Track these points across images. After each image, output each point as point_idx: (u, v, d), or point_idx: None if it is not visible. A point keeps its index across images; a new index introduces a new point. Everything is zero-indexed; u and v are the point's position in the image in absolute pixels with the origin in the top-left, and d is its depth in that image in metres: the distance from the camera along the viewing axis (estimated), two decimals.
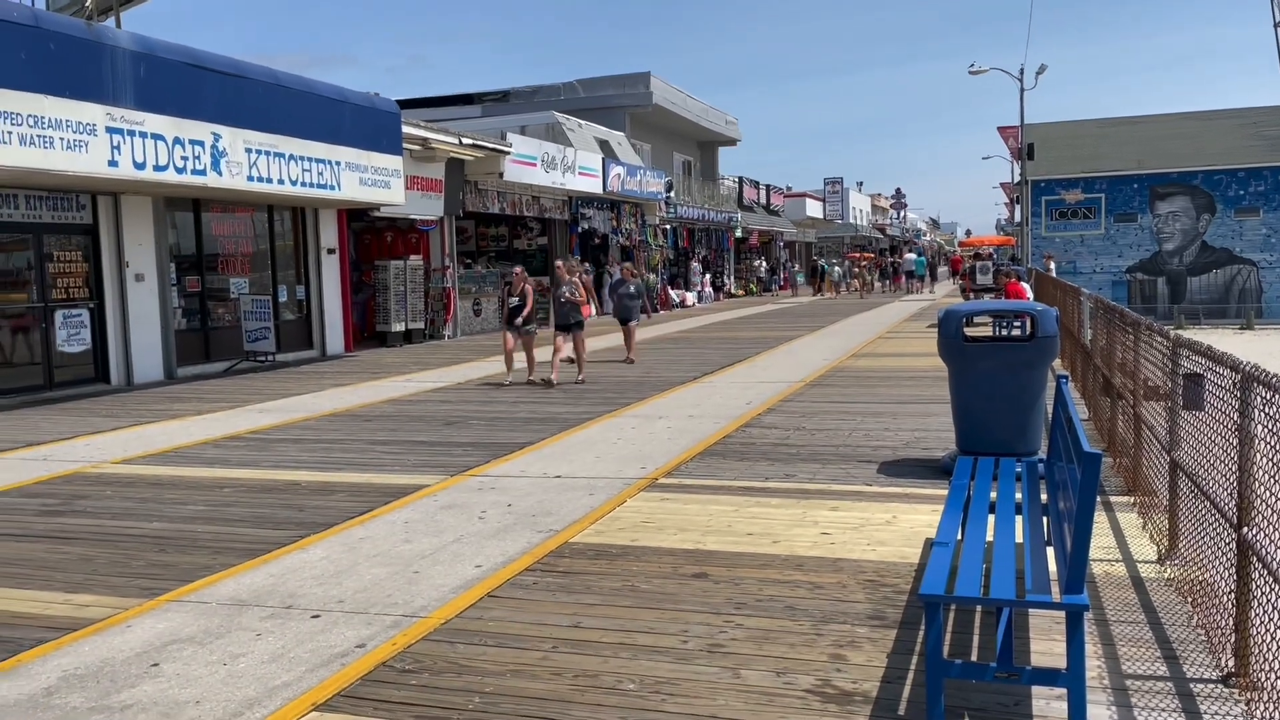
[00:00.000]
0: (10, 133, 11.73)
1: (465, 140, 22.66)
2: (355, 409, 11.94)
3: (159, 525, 6.70)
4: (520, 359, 14.06)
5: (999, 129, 43.44)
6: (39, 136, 12.09)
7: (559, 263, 14.67)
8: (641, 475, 7.76)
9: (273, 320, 17.60)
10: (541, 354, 14.30)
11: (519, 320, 13.51)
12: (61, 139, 12.37)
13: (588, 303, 16.05)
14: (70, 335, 14.51)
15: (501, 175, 24.21)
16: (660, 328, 25.09)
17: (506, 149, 24.11)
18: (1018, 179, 42.54)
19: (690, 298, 37.44)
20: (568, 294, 13.81)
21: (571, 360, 14.04)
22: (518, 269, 14.31)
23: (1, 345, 13.68)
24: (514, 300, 13.58)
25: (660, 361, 16.58)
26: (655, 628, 4.52)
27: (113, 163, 13.08)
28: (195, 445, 9.75)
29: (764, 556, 5.56)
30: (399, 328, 21.34)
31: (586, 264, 29.35)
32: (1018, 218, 45.00)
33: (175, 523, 6.75)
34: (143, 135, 13.51)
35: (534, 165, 25.63)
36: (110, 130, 13.01)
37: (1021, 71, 36.69)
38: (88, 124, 12.69)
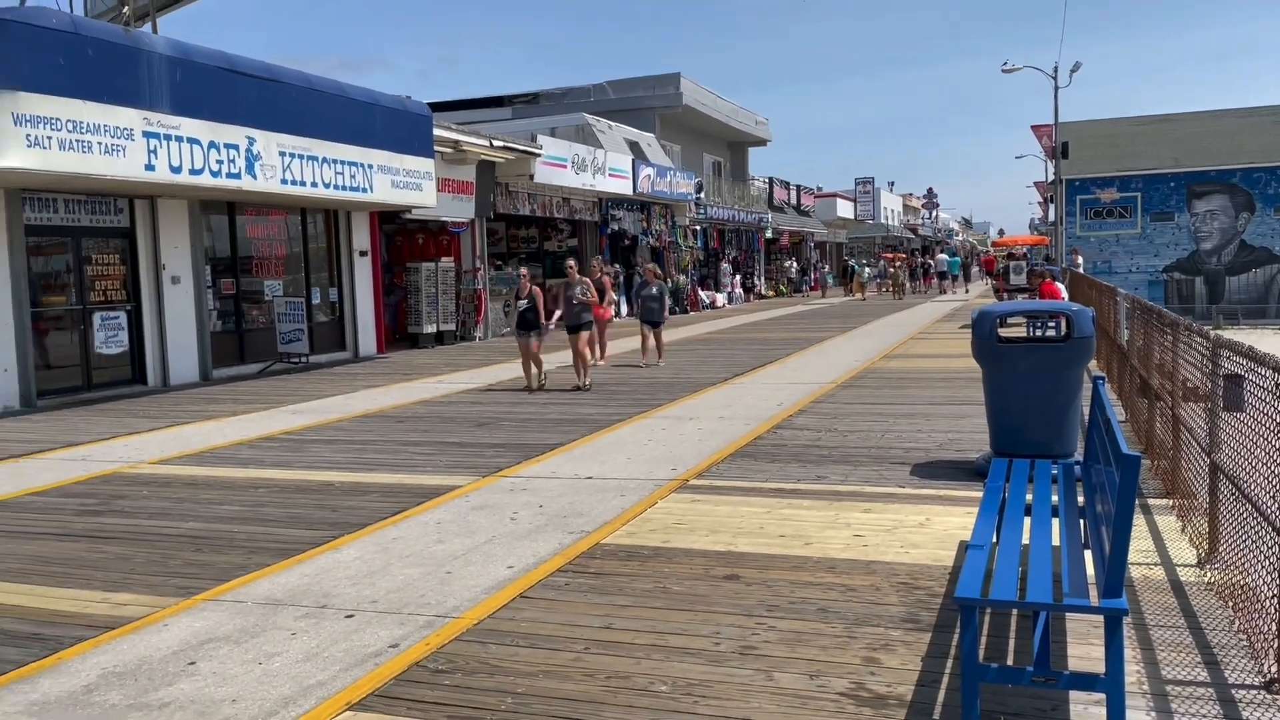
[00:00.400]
0: (50, 137, 11.93)
1: (496, 142, 22.76)
2: (388, 410, 12.02)
3: (195, 525, 6.78)
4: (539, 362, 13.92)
5: (1033, 127, 43.00)
6: (77, 141, 12.27)
7: (570, 263, 14.54)
8: (672, 476, 7.75)
9: (306, 322, 17.76)
10: (554, 359, 14.17)
11: (543, 324, 13.33)
12: (99, 143, 12.55)
13: (603, 304, 15.94)
14: (108, 337, 14.72)
15: (532, 177, 24.28)
16: (690, 329, 25.06)
17: (537, 151, 24.18)
18: (1052, 178, 42.09)
19: (720, 299, 37.37)
20: (579, 295, 13.75)
21: (586, 363, 13.84)
22: (524, 271, 14.34)
23: (42, 347, 13.90)
24: (522, 303, 13.46)
25: (690, 363, 16.56)
26: (687, 629, 4.51)
27: (149, 166, 13.27)
28: (230, 446, 9.86)
29: (796, 558, 5.53)
30: (430, 329, 21.45)
31: (616, 265, 29.42)
32: (1052, 217, 44.52)
33: (211, 523, 6.83)
34: (179, 139, 13.69)
35: (564, 167, 25.69)
36: (147, 134, 13.19)
37: (1055, 69, 36.31)
38: (125, 128, 12.88)
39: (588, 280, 14.23)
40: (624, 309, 28.13)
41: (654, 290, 16.22)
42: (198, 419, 11.78)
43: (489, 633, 4.55)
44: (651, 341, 16.11)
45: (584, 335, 13.66)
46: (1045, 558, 3.81)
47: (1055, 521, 4.50)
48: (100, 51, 12.66)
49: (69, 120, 12.14)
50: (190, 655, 4.41)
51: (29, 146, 11.71)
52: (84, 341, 14.44)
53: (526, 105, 37.53)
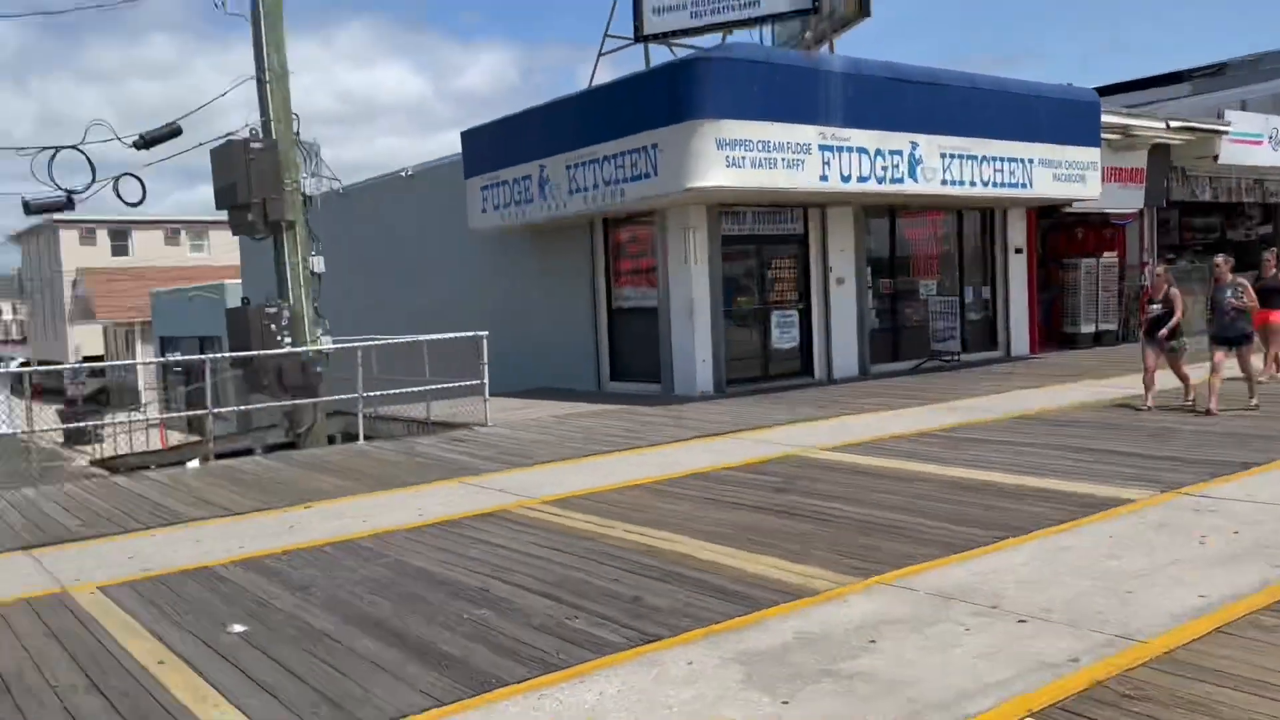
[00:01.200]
0: (743, 157, 13.60)
1: (1173, 123, 20.59)
2: (1044, 413, 11.58)
3: (862, 510, 7.22)
4: (1167, 379, 11.86)
5: None
6: (764, 159, 13.81)
7: (1218, 259, 11.89)
8: None
9: (959, 320, 17.89)
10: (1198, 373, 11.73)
11: (1162, 333, 11.47)
12: (781, 159, 13.98)
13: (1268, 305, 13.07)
14: (782, 334, 16.36)
15: (1215, 158, 21.52)
16: None
17: (1223, 128, 21.38)
18: None
19: None
20: (1232, 298, 11.40)
21: (1252, 379, 11.45)
22: (1160, 269, 12.27)
23: (730, 341, 15.93)
24: (1155, 307, 11.63)
25: None
26: None
27: (823, 177, 14.43)
28: (890, 439, 10.31)
29: None
30: (1088, 329, 20.23)
31: None
32: None
33: (876, 509, 7.22)
34: (848, 150, 14.67)
35: (1259, 144, 22.33)
36: (821, 148, 14.35)
37: None
38: (803, 144, 14.16)
39: (1244, 281, 11.82)
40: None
41: None
42: (858, 411, 12.52)
43: (1182, 664, 4.14)
44: None
45: (1242, 350, 11.37)
46: None
47: None
48: (785, 76, 14.08)
49: (759, 141, 13.71)
50: (870, 633, 4.71)
51: (728, 166, 13.48)
52: (763, 337, 16.24)
53: (1208, 78, 33.29)
